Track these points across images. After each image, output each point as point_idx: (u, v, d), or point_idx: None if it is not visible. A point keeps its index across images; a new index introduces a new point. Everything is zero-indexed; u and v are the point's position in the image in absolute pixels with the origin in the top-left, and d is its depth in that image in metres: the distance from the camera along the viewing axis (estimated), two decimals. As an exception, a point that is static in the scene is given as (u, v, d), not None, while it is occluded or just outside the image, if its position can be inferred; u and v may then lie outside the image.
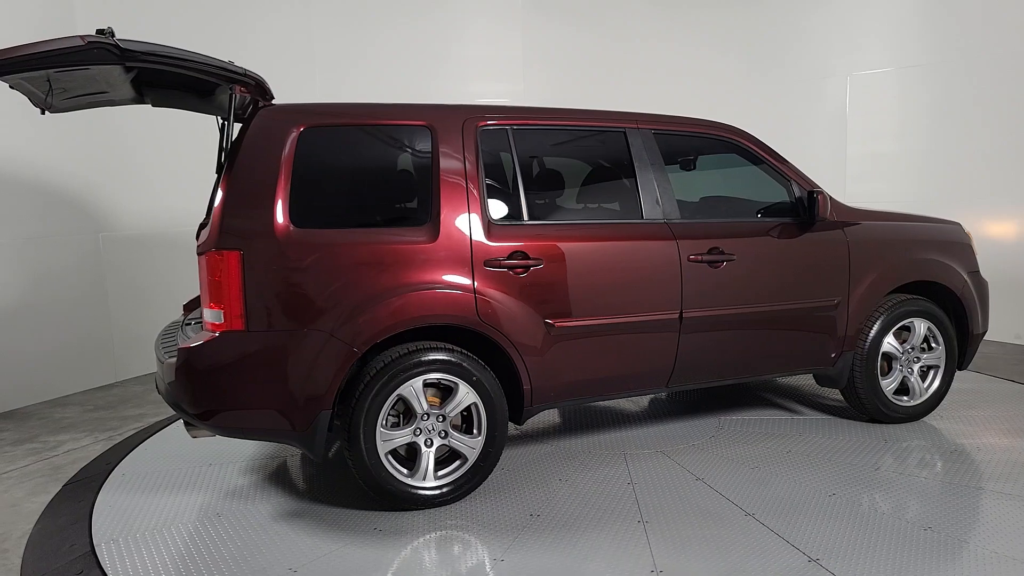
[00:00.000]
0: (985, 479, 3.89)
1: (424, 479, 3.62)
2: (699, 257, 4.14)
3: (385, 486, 3.54)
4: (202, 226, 4.39)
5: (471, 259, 3.66)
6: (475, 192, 3.73)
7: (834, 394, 5.43)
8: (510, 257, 3.73)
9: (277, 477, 4.18)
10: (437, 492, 3.65)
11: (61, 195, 6.32)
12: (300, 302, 3.38)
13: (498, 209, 3.81)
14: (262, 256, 3.34)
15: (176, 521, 3.64)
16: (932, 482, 3.87)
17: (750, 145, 4.51)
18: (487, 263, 3.68)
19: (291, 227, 3.39)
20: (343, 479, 4.07)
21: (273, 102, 3.63)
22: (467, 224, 3.68)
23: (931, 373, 4.83)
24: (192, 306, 4.56)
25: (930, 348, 4.80)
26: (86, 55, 3.06)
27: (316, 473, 4.25)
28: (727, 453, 4.33)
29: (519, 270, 3.75)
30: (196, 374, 3.33)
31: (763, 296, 4.34)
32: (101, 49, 3.02)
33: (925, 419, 4.86)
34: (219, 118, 4.32)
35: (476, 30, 8.98)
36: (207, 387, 3.34)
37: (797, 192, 4.48)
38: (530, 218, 3.86)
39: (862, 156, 8.16)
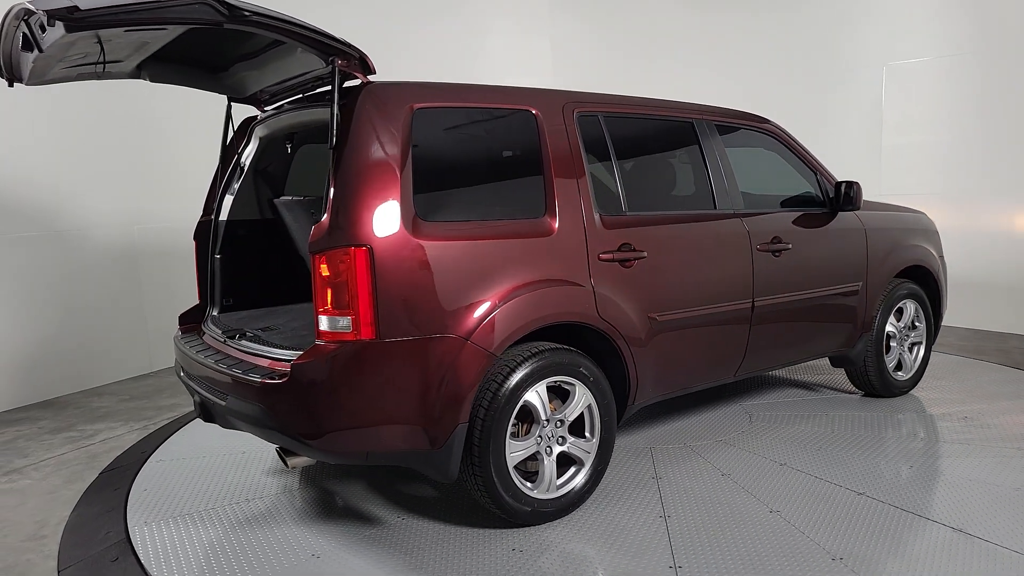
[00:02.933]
0: (1016, 440, 4.30)
1: (548, 490, 3.38)
2: (765, 247, 4.24)
3: (515, 502, 3.25)
4: (202, 224, 4.11)
5: (587, 252, 3.49)
6: (583, 181, 3.55)
7: (823, 370, 5.87)
8: (619, 249, 3.59)
9: (334, 486, 4.19)
10: (562, 502, 3.42)
11: (97, 188, 6.43)
12: (433, 304, 3.01)
13: (602, 199, 3.64)
14: (391, 253, 2.92)
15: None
16: (977, 447, 4.21)
17: (783, 136, 4.66)
18: (601, 256, 3.52)
19: (418, 219, 3.03)
20: (419, 491, 3.86)
21: (371, 79, 3.18)
22: (580, 215, 3.49)
23: (915, 349, 5.30)
24: (190, 317, 4.13)
25: (913, 327, 5.24)
26: (188, 11, 2.68)
27: (365, 483, 4.13)
28: (780, 436, 4.46)
29: (628, 263, 3.62)
30: (316, 391, 2.90)
31: (812, 282, 4.54)
32: (205, 4, 2.65)
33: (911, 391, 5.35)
34: (228, 98, 4.02)
35: (505, 25, 8.97)
36: (329, 406, 2.90)
37: (822, 183, 4.69)
38: (628, 209, 3.73)
39: (898, 147, 8.00)
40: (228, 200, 4.09)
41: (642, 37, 9.22)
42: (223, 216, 4.09)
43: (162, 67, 3.59)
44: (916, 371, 5.29)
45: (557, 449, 3.40)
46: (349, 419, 2.93)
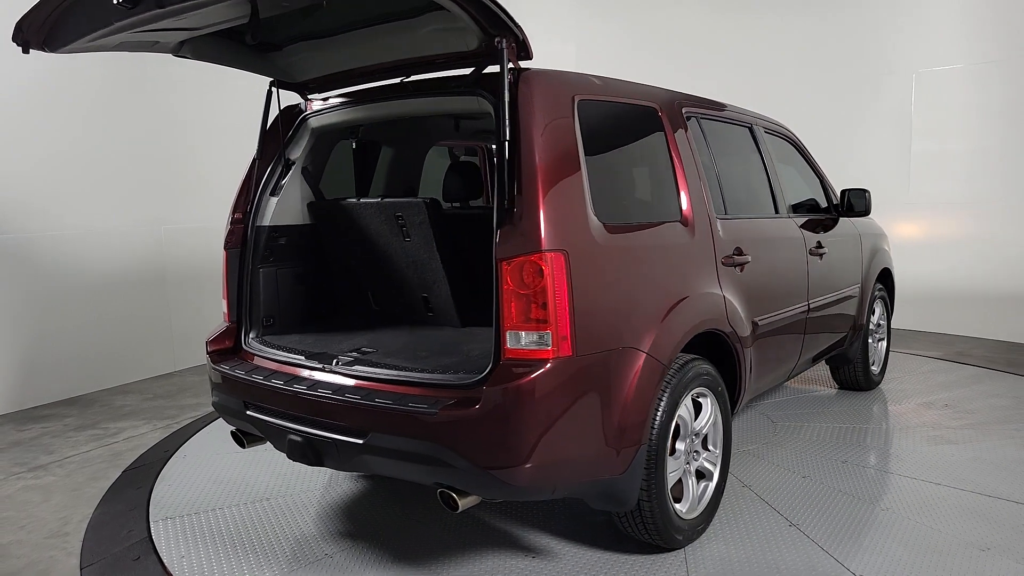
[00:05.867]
0: (1006, 422, 4.76)
1: (693, 509, 3.16)
2: (814, 250, 4.35)
3: (670, 527, 3.00)
4: (235, 230, 3.52)
5: (715, 255, 3.35)
6: (705, 182, 3.41)
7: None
8: (735, 253, 3.48)
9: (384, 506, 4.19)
10: (702, 519, 3.22)
11: (127, 188, 6.50)
12: (617, 313, 2.77)
13: (714, 201, 3.51)
14: (583, 258, 2.63)
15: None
16: (982, 431, 4.61)
17: (798, 142, 4.82)
18: (724, 260, 3.40)
19: (598, 220, 2.75)
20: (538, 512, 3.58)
21: (524, 66, 2.80)
22: (707, 217, 3.34)
23: (879, 345, 5.66)
24: (222, 341, 3.47)
25: (879, 325, 5.60)
26: None
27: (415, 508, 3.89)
28: (814, 434, 4.61)
29: (740, 267, 3.50)
30: (513, 419, 2.49)
31: (837, 284, 4.69)
32: None
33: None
34: (274, 83, 3.47)
35: (529, 28, 8.94)
36: (527, 434, 2.50)
37: (827, 188, 4.88)
38: (729, 212, 3.60)
39: (927, 155, 7.88)
40: (272, 202, 3.54)
41: (668, 40, 9.16)
42: (265, 220, 3.52)
43: (208, 43, 3.09)
44: (883, 365, 5.72)
45: (694, 465, 3.23)
46: (547, 448, 2.54)
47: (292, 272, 3.67)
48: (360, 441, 2.74)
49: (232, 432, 3.43)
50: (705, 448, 3.29)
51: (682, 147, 3.36)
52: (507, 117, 2.61)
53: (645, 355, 2.81)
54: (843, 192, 4.73)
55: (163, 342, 6.84)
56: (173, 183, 6.88)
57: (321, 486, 3.95)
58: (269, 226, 3.52)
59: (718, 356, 3.38)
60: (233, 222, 3.55)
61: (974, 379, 5.90)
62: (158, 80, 6.65)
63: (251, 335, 3.49)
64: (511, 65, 2.68)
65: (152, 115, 6.64)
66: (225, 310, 3.54)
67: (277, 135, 3.57)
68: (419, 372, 2.84)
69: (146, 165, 6.64)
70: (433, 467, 2.61)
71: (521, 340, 2.56)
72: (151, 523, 3.58)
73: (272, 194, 3.55)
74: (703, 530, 3.24)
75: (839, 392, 5.55)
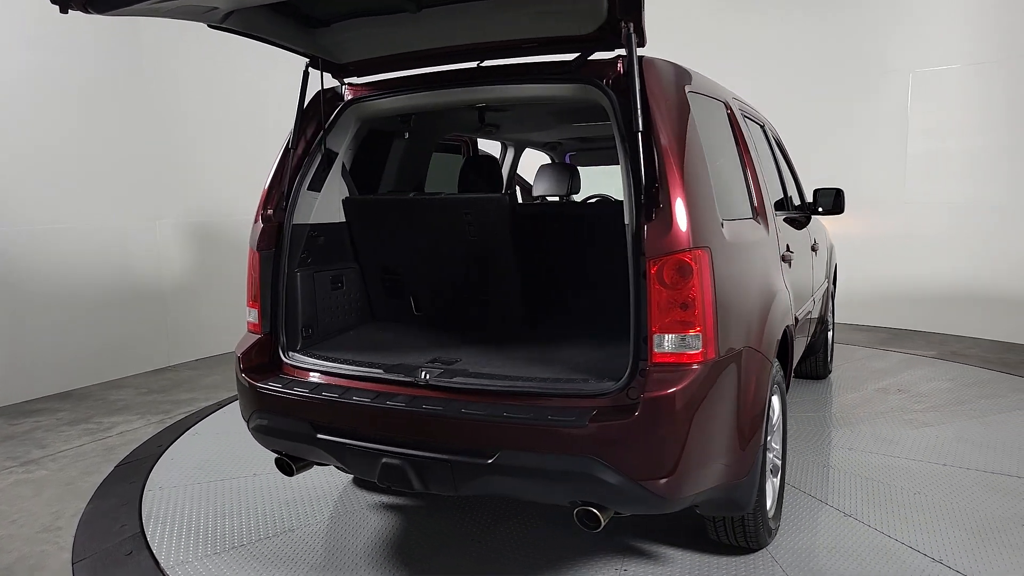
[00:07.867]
0: (958, 404, 5.09)
1: (772, 506, 3.08)
2: (813, 246, 4.51)
3: (764, 527, 2.93)
4: (268, 229, 3.09)
5: (779, 250, 3.29)
6: (766, 179, 3.38)
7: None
8: (788, 249, 3.47)
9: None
10: (778, 517, 3.16)
11: (123, 183, 6.47)
12: (739, 313, 2.64)
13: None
14: (720, 255, 2.48)
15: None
16: (948, 414, 4.88)
17: (779, 138, 4.89)
18: (783, 256, 3.35)
19: (721, 216, 2.63)
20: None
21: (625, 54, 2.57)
22: (772, 214, 3.31)
23: (828, 336, 5.83)
24: (255, 356, 3.02)
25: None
26: None
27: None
28: (815, 422, 4.82)
29: (789, 263, 3.46)
30: (670, 427, 2.33)
31: (820, 279, 4.81)
32: None
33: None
34: (315, 62, 3.09)
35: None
36: (682, 443, 2.35)
37: (799, 187, 4.95)
38: (775, 210, 3.58)
39: (923, 155, 7.87)
40: (311, 197, 3.18)
41: (666, 39, 9.14)
42: (305, 218, 3.15)
43: (258, 14, 2.77)
44: (831, 355, 5.93)
45: (768, 464, 3.11)
46: (695, 455, 2.40)
47: (329, 275, 3.32)
48: (487, 461, 2.44)
49: (277, 459, 2.98)
50: (773, 445, 3.23)
51: (749, 143, 3.35)
52: (639, 107, 2.44)
53: (761, 354, 2.74)
54: (816, 191, 4.64)
55: (158, 337, 6.81)
56: (169, 178, 6.85)
57: (328, 515, 3.58)
58: (309, 224, 3.16)
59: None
60: (264, 219, 3.10)
61: (906, 364, 6.24)
62: (154, 74, 6.63)
63: (291, 348, 3.07)
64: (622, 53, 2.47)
65: (149, 113, 6.61)
66: (255, 320, 3.10)
67: (315, 122, 3.19)
68: (541, 381, 2.59)
69: (142, 160, 6.61)
70: (578, 484, 2.39)
71: (667, 343, 2.40)
72: (144, 518, 3.56)
73: (310, 188, 3.17)
74: (778, 526, 3.18)
75: (795, 381, 5.57)
